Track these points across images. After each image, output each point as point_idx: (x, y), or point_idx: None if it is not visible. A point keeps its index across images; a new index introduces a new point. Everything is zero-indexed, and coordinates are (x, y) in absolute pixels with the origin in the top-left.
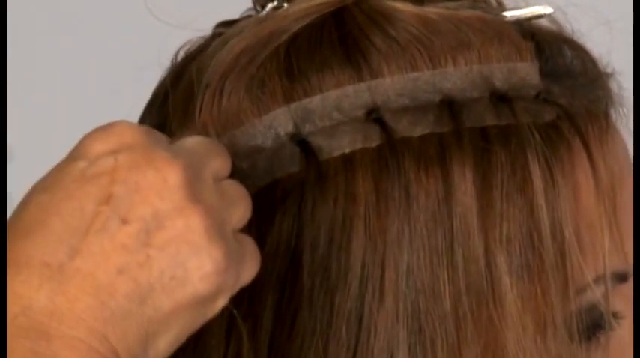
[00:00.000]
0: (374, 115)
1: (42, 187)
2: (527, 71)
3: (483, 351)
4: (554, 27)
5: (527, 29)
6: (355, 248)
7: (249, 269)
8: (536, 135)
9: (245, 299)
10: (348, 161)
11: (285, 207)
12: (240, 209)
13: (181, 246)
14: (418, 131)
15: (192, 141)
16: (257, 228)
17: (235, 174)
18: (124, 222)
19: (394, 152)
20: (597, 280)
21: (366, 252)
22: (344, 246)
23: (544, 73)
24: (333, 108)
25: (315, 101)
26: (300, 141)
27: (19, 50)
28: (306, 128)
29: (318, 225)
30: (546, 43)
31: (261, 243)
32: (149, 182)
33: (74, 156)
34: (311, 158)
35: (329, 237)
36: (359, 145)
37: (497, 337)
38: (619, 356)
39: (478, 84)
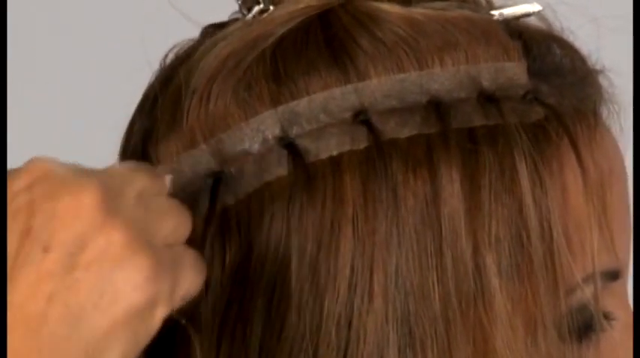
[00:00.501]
0: (361, 117)
1: None
2: (514, 71)
3: (474, 353)
4: (543, 25)
5: (515, 28)
6: (343, 251)
7: (188, 279)
8: (524, 136)
9: (235, 304)
10: (336, 163)
11: (274, 210)
12: (170, 221)
13: (105, 262)
14: (405, 132)
15: (116, 165)
16: (246, 232)
17: (223, 179)
18: (46, 250)
19: (381, 154)
20: (587, 279)
21: (355, 255)
22: (332, 250)
23: (532, 72)
24: (320, 110)
25: (302, 104)
26: (288, 144)
27: (18, 50)
28: (294, 131)
29: (306, 229)
30: (534, 42)
31: (249, 247)
32: (65, 207)
33: None
34: (299, 161)
35: (317, 241)
36: (346, 147)
37: (487, 339)
38: (611, 357)
39: (465, 84)
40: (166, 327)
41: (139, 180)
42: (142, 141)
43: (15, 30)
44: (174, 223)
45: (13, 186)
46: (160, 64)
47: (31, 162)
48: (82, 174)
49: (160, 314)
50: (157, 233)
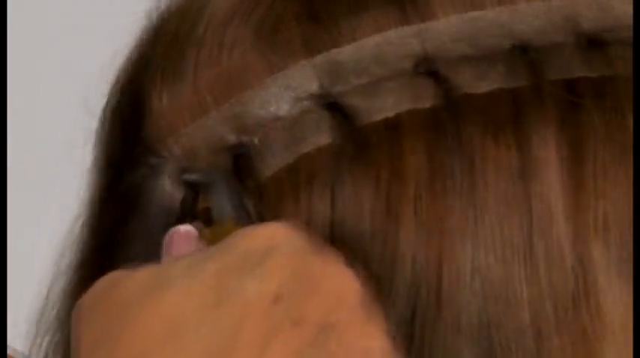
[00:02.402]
0: (425, 67)
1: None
2: (623, 8)
3: None
4: None
5: None
6: (403, 240)
7: None
8: None
9: None
10: (394, 127)
11: (313, 191)
12: None
13: None
14: (484, 87)
15: None
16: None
17: (244, 154)
18: (296, 324)
19: (453, 114)
20: None
21: (418, 246)
22: (389, 240)
23: None
24: (371, 60)
25: (346, 51)
26: (330, 104)
27: (18, 50)
28: (337, 87)
29: (357, 213)
30: None
31: None
32: (329, 284)
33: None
34: (345, 125)
35: (370, 228)
36: (407, 106)
37: (592, 356)
38: None
39: (560, 24)
40: None
41: None
42: (129, 120)
43: (15, 30)
44: None
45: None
46: (152, 12)
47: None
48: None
49: None
50: None
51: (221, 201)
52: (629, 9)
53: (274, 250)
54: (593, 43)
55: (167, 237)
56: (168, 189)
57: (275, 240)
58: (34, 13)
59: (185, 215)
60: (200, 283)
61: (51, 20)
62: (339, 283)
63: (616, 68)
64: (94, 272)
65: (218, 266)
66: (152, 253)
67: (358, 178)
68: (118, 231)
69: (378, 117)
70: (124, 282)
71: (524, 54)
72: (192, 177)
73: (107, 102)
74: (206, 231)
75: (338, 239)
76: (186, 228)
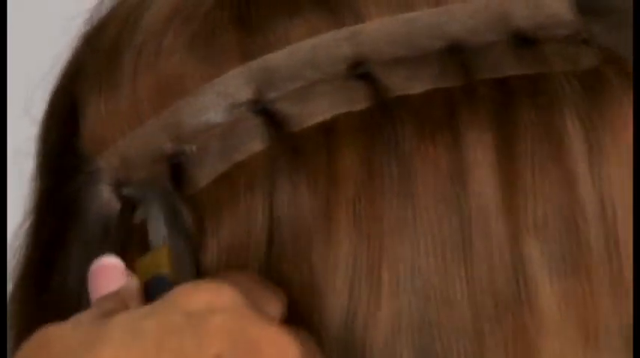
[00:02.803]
0: (360, 70)
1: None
2: (556, 5)
3: None
4: None
5: None
6: (342, 244)
7: None
8: (575, 87)
9: None
10: (329, 131)
11: (250, 197)
12: None
13: None
14: (419, 87)
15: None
16: (214, 231)
17: (181, 162)
18: None
19: (388, 116)
20: None
21: (357, 248)
22: (328, 243)
23: (580, 8)
24: (305, 63)
25: (280, 56)
26: (264, 110)
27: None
28: (271, 93)
29: (295, 218)
30: None
31: (223, 244)
32: (269, 350)
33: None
34: (279, 131)
35: (308, 232)
36: (342, 109)
37: (532, 352)
38: None
39: (493, 23)
40: None
41: None
42: (64, 131)
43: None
44: None
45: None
46: (90, 18)
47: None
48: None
49: None
50: None
51: (155, 223)
52: (562, 6)
53: (215, 312)
54: (527, 40)
55: (93, 269)
56: (106, 197)
57: (216, 301)
58: None
59: (123, 225)
60: (140, 343)
61: None
62: (279, 349)
63: (551, 65)
64: (35, 280)
65: (158, 325)
66: (90, 260)
67: (296, 183)
68: (57, 237)
69: (314, 121)
70: (58, 340)
71: (457, 54)
72: (127, 191)
73: (46, 110)
74: (138, 261)
75: (277, 244)
76: (111, 261)
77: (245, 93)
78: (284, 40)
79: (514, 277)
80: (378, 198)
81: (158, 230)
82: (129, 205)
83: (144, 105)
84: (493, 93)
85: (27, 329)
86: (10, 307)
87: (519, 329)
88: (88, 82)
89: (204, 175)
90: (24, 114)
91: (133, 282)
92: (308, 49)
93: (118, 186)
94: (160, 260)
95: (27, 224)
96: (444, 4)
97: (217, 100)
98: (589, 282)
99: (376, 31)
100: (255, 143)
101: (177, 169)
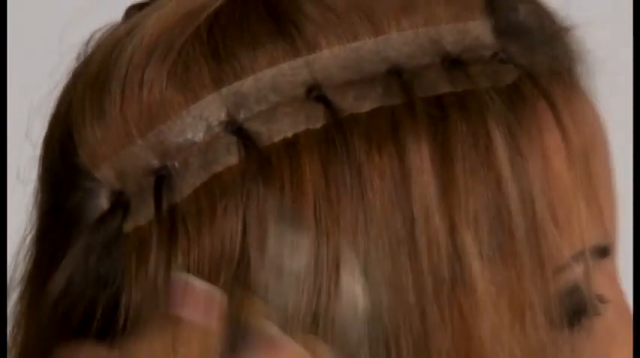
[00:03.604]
0: (315, 93)
1: None
2: (479, 30)
3: (454, 344)
4: None
5: None
6: (306, 242)
7: None
8: (497, 100)
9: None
10: (292, 146)
11: (227, 203)
12: None
13: None
14: (366, 106)
15: None
16: (196, 232)
17: (166, 175)
18: None
19: (341, 131)
20: (576, 257)
21: (319, 246)
22: (294, 241)
23: (499, 31)
24: (268, 89)
25: (247, 83)
26: (236, 129)
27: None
28: (241, 114)
29: (265, 220)
30: None
31: (201, 248)
32: None
33: None
34: (249, 146)
35: (278, 233)
36: (302, 127)
37: (469, 328)
38: (607, 344)
39: (427, 49)
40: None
41: None
42: (63, 151)
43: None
44: None
45: None
46: (79, 55)
47: None
48: None
49: None
50: None
51: None
52: (484, 30)
53: None
54: (456, 62)
55: (180, 282)
56: (104, 207)
57: None
58: None
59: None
60: None
61: None
62: None
63: (477, 83)
64: (42, 281)
65: None
66: (92, 265)
67: (265, 191)
68: (62, 242)
69: (279, 137)
70: None
71: (398, 76)
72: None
73: (46, 133)
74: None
75: (251, 242)
76: (202, 286)
77: (219, 116)
78: (249, 69)
79: (452, 264)
80: (335, 202)
81: None
82: (122, 214)
83: (132, 129)
84: (430, 109)
85: (33, 328)
86: (17, 307)
87: (457, 309)
88: (81, 109)
89: (186, 186)
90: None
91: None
92: (270, 77)
93: (113, 196)
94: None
95: (31, 232)
96: (383, 34)
97: (195, 123)
98: (515, 266)
99: (327, 59)
100: (229, 157)
101: (163, 181)
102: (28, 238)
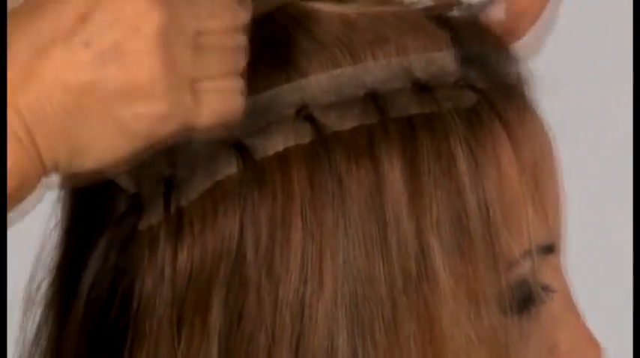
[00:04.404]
0: (303, 113)
1: None
2: (444, 60)
3: (419, 329)
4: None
5: (442, 18)
6: (294, 242)
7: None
8: (458, 121)
9: (192, 296)
10: (283, 158)
11: (227, 207)
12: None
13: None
14: (346, 125)
15: None
16: (200, 230)
17: (175, 182)
18: (86, 45)
19: (325, 147)
20: (525, 254)
21: (305, 245)
22: (284, 241)
23: (461, 60)
24: (264, 109)
25: (247, 104)
26: (236, 144)
27: None
28: (240, 131)
29: (259, 222)
30: (461, 30)
31: (204, 243)
32: (129, 16)
33: None
34: (247, 159)
35: (270, 233)
36: (291, 143)
37: (432, 315)
38: (552, 327)
39: (399, 75)
40: (121, 325)
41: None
42: None
43: None
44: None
45: None
46: None
47: None
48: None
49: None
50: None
51: None
52: (448, 59)
53: None
54: (424, 87)
55: None
56: (122, 209)
57: None
58: None
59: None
60: None
61: None
62: (135, 20)
63: (441, 105)
64: (70, 271)
65: None
66: (113, 258)
67: (259, 197)
68: (88, 239)
69: (271, 151)
70: None
71: (374, 99)
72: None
73: None
74: None
75: (247, 245)
76: None
77: (222, 133)
78: (247, 92)
79: (418, 261)
80: (319, 207)
81: None
82: (137, 214)
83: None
84: (401, 128)
85: (64, 310)
86: (48, 291)
87: (422, 300)
88: None
89: (192, 192)
90: None
91: None
92: (266, 99)
93: (130, 200)
94: None
95: (57, 228)
96: (360, 62)
97: (200, 137)
98: (471, 262)
99: (314, 84)
100: (229, 168)
101: (172, 187)
102: (53, 234)
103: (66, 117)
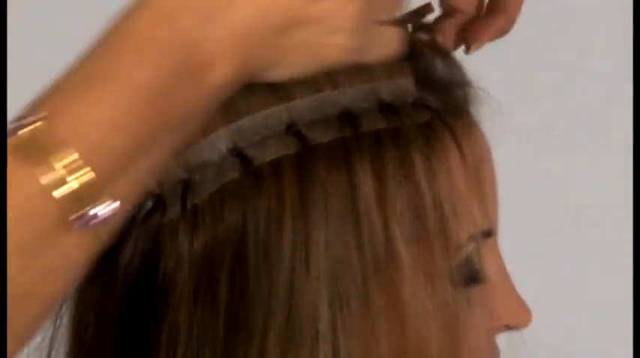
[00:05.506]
0: (293, 129)
1: None
2: (406, 84)
3: (387, 302)
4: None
5: (409, 46)
6: (286, 232)
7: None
8: (417, 134)
9: (205, 275)
10: (276, 165)
11: (231, 204)
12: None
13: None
14: (327, 138)
15: None
16: (211, 222)
17: (191, 184)
18: None
19: (310, 156)
20: (470, 238)
21: (295, 235)
22: (278, 231)
23: (419, 85)
24: (261, 125)
25: (246, 121)
26: (238, 154)
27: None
28: (242, 143)
29: (258, 216)
30: (422, 58)
31: (215, 233)
32: None
33: None
34: (247, 166)
35: (266, 225)
36: (283, 153)
37: (397, 290)
38: (493, 296)
39: (369, 97)
40: (150, 296)
41: None
42: None
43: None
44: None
45: None
46: None
47: None
48: None
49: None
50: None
51: None
52: (409, 83)
53: None
54: (389, 106)
55: None
56: (149, 207)
57: None
58: None
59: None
60: None
61: None
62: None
63: (403, 122)
64: (105, 262)
65: None
66: (142, 247)
67: (257, 197)
68: (120, 232)
69: (267, 159)
70: None
71: (348, 116)
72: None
73: None
74: None
75: (248, 234)
76: None
77: (227, 144)
78: (247, 112)
79: (385, 248)
80: (305, 205)
81: None
82: (161, 211)
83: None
84: (371, 140)
85: (107, 281)
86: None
87: (389, 278)
88: None
89: (204, 192)
90: None
91: None
92: (262, 117)
93: (154, 199)
94: None
95: None
96: (338, 87)
97: (211, 148)
98: (428, 247)
99: (301, 105)
100: (233, 173)
101: (188, 188)
102: None
103: (272, 35)
